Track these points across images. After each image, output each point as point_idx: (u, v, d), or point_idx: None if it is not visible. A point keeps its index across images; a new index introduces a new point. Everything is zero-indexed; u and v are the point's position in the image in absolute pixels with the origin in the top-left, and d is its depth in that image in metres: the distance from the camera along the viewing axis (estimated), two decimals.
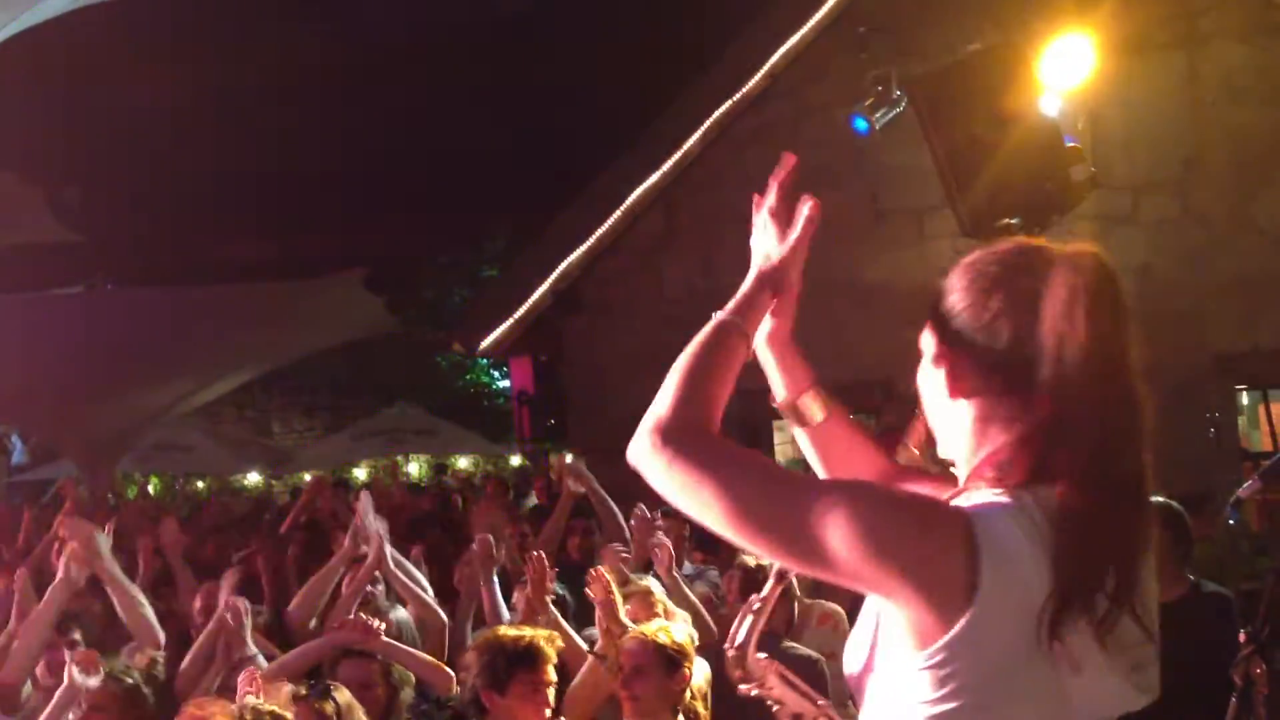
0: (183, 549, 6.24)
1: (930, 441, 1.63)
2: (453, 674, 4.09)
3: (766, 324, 1.70)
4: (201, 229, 21.18)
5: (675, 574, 4.88)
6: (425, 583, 5.29)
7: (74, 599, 4.48)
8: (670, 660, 3.53)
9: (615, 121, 11.96)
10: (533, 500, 10.60)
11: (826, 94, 8.65)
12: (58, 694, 3.65)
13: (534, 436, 11.78)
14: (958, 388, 1.50)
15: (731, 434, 1.47)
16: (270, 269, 19.20)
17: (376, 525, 4.94)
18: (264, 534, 7.93)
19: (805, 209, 1.64)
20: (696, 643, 3.78)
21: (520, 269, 10.88)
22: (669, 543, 4.93)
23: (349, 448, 18.02)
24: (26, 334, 10.61)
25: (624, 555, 5.18)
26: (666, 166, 9.65)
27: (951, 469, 1.58)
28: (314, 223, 21.92)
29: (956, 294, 1.52)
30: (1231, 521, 5.10)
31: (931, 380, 1.55)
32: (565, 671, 4.05)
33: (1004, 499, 1.39)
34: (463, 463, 20.61)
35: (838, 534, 1.34)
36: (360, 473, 19.76)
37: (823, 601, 5.08)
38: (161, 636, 4.53)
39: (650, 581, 4.61)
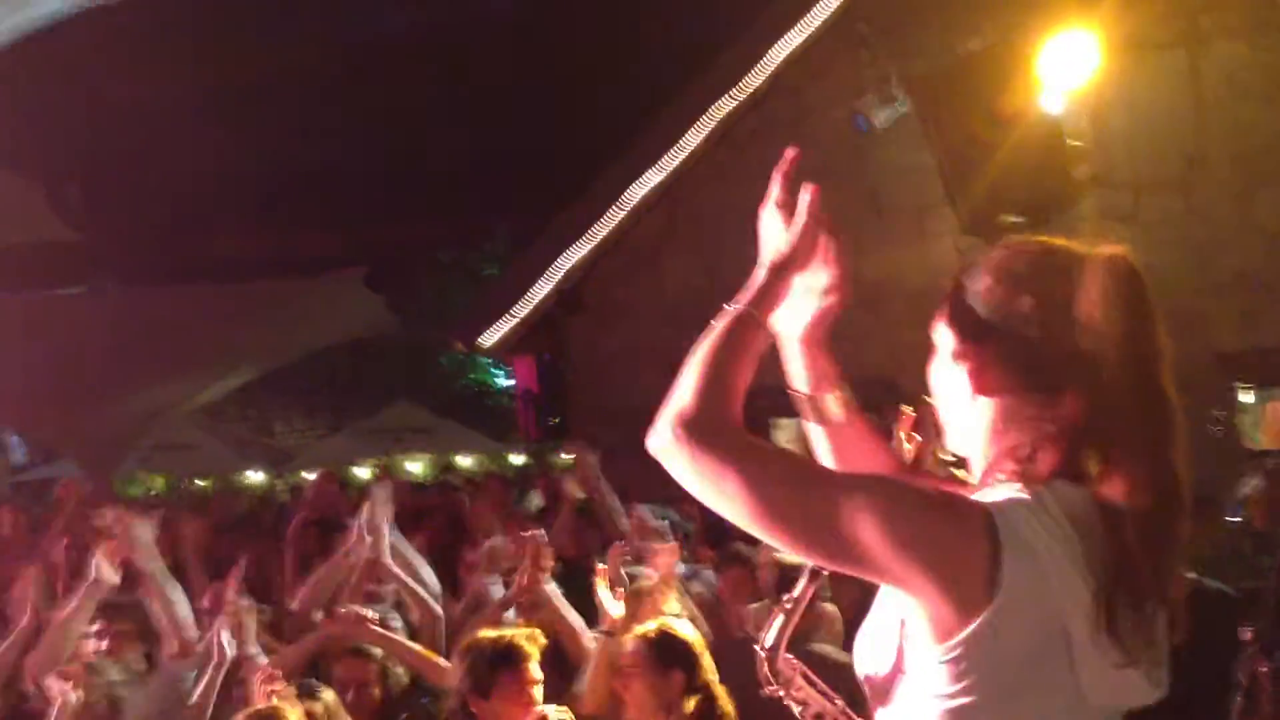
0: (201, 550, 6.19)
1: (938, 433, 1.62)
2: (448, 665, 4.08)
3: (801, 325, 1.67)
4: (203, 227, 21.19)
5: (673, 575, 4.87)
6: (426, 576, 5.27)
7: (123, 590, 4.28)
8: (667, 659, 3.47)
9: (616, 121, 11.94)
10: (536, 500, 10.57)
11: (827, 93, 8.66)
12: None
13: (539, 436, 11.80)
14: (981, 385, 1.49)
15: None
16: (272, 267, 19.16)
17: (384, 516, 4.89)
18: (267, 532, 7.93)
19: (806, 196, 1.62)
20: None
21: (522, 267, 10.89)
22: (672, 544, 4.91)
23: (351, 447, 18.01)
24: (27, 334, 10.60)
25: (626, 556, 5.17)
26: (668, 165, 9.65)
27: (954, 469, 1.58)
28: (315, 221, 21.90)
29: (981, 291, 1.51)
30: (1234, 519, 5.10)
31: (950, 376, 1.53)
32: (563, 656, 4.05)
33: (1024, 495, 1.39)
34: (465, 461, 20.61)
35: (865, 528, 1.34)
36: (362, 472, 19.75)
37: (820, 602, 5.06)
38: (195, 634, 4.28)
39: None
